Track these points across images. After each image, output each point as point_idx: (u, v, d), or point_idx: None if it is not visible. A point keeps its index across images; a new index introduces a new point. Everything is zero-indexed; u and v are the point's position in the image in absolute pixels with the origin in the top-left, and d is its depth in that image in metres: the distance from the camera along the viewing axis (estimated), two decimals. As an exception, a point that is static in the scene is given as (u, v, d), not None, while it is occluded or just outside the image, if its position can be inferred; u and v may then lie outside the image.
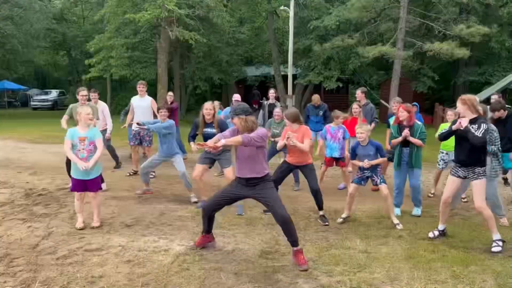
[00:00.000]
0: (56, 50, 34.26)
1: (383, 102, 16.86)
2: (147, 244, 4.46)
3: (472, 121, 4.47)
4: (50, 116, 23.24)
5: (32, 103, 30.81)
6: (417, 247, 4.48)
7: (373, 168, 5.29)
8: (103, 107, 8.02)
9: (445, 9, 16.93)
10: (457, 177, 4.66)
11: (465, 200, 6.50)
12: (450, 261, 4.11)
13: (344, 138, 6.75)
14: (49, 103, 29.97)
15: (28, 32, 23.19)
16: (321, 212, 5.42)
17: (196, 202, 6.11)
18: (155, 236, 4.72)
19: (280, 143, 5.49)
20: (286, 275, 3.78)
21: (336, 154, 6.69)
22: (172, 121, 6.42)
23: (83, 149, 4.82)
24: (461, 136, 4.52)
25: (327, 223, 5.27)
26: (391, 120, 6.93)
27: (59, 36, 29.16)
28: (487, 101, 11.02)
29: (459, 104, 4.58)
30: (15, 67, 28.19)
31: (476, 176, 4.49)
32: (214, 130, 5.70)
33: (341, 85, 20.87)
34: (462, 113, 4.56)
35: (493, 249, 4.41)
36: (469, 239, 4.79)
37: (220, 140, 3.81)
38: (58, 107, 29.80)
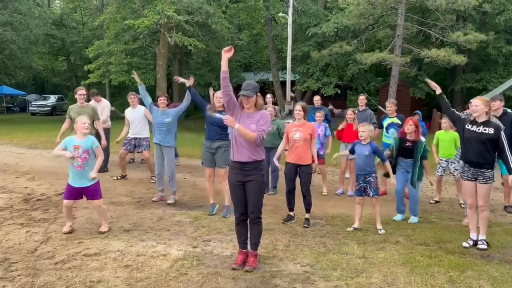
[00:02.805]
0: (55, 56, 34.36)
1: (381, 108, 16.92)
2: (146, 249, 4.48)
3: (484, 123, 4.58)
4: (48, 121, 23.25)
5: (30, 108, 30.84)
6: (414, 253, 4.50)
7: (365, 180, 5.28)
8: (105, 106, 8.20)
9: (442, 16, 17.06)
10: (469, 180, 4.72)
11: (464, 206, 6.53)
12: (446, 266, 4.14)
13: (325, 134, 7.33)
14: (48, 108, 29.99)
15: (27, 38, 23.24)
16: (306, 215, 5.53)
17: (169, 204, 6.34)
18: (154, 241, 4.73)
19: (279, 151, 5.70)
20: (283, 279, 3.79)
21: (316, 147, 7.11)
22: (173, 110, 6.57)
23: (77, 157, 4.79)
24: (471, 137, 4.61)
25: (305, 226, 5.38)
26: (385, 123, 7.09)
27: (58, 41, 29.25)
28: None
29: (480, 103, 4.59)
30: (14, 72, 28.22)
31: (485, 180, 4.60)
32: (222, 117, 5.69)
33: (339, 91, 20.97)
34: (478, 113, 4.59)
35: (480, 246, 4.66)
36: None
37: (236, 123, 3.79)
38: (56, 112, 29.83)
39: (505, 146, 4.51)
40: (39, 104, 30.42)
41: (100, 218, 5.11)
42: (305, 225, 5.40)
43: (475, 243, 4.74)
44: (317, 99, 8.92)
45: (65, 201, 4.90)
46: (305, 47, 20.28)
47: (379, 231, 5.19)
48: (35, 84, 42.21)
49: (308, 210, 5.53)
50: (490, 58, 19.84)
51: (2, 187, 7.22)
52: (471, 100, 4.78)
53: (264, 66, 28.12)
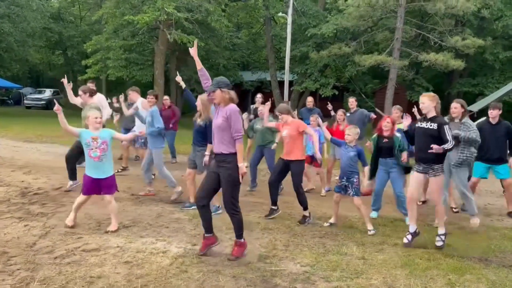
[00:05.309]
0: (52, 50, 34.11)
1: (378, 110, 17.00)
2: (145, 245, 4.46)
3: (431, 119, 4.70)
4: (43, 115, 23.08)
5: (25, 101, 30.51)
6: (413, 255, 4.52)
7: (348, 179, 5.34)
8: (101, 99, 8.14)
9: (441, 21, 17.15)
10: (419, 172, 4.80)
11: (456, 210, 6.56)
12: (445, 269, 4.17)
13: (320, 141, 7.21)
14: (43, 102, 29.68)
15: (24, 31, 23.09)
16: (304, 213, 5.59)
17: (180, 192, 6.52)
18: (153, 237, 4.72)
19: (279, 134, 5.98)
20: (283, 279, 3.80)
21: (310, 153, 7.21)
22: (154, 109, 6.54)
23: (96, 147, 4.78)
24: (421, 134, 4.73)
25: (304, 224, 5.47)
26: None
27: (56, 35, 29.05)
28: (481, 112, 11.16)
29: (426, 99, 4.75)
30: (10, 65, 27.97)
31: (434, 172, 4.69)
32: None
33: (336, 92, 21.02)
34: (426, 110, 4.74)
35: (437, 244, 4.72)
36: (465, 248, 4.85)
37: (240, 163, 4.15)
38: (51, 106, 29.57)
39: (447, 143, 4.53)
40: (34, 98, 30.13)
41: (113, 216, 4.93)
42: (301, 222, 5.50)
43: (414, 235, 4.83)
44: (309, 100, 9.07)
45: (84, 197, 4.85)
46: (304, 48, 20.29)
47: (369, 231, 5.22)
48: (30, 78, 41.86)
49: (304, 208, 5.57)
50: (487, 63, 20.01)
51: (-2, 180, 7.16)
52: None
53: (262, 66, 28.10)
